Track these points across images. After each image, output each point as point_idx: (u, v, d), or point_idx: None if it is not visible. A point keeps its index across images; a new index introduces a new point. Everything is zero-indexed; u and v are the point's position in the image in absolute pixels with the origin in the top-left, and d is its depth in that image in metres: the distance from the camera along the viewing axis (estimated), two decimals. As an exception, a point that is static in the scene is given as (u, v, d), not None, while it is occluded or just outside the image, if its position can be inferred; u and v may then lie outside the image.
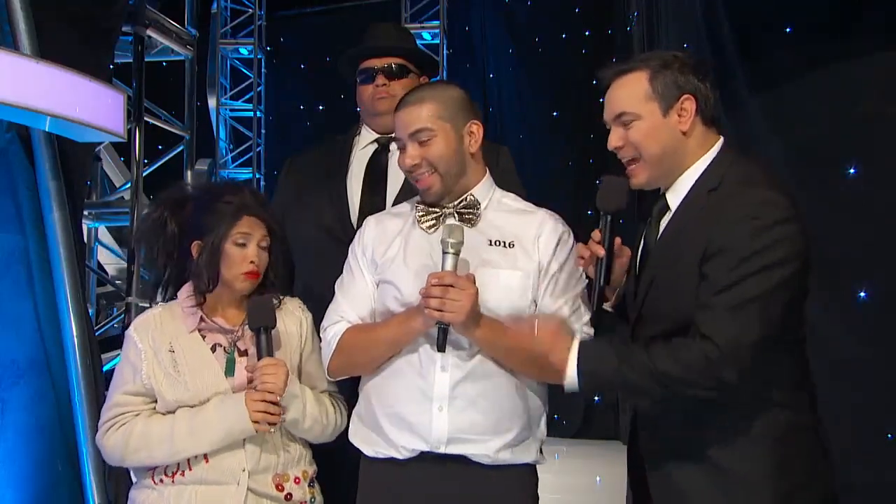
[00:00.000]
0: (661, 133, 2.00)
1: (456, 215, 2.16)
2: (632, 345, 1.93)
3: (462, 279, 1.99)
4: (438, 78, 8.43)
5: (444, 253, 2.02)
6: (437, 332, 2.02)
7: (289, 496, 2.21)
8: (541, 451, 2.20)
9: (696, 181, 2.01)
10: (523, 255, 2.14)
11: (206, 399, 2.19)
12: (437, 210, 2.17)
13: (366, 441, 2.17)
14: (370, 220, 2.28)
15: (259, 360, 2.16)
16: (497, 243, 2.14)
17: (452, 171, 2.15)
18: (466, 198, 2.18)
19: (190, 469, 2.17)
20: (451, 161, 2.14)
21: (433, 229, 2.16)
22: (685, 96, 1.99)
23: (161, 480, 2.19)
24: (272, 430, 2.15)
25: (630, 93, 2.01)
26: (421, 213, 2.18)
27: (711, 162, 2.02)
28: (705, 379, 1.84)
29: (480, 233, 2.15)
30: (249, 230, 2.24)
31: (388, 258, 2.17)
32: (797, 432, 1.96)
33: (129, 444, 2.18)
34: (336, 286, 2.26)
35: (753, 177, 1.97)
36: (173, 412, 2.20)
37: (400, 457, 2.11)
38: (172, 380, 2.19)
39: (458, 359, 2.08)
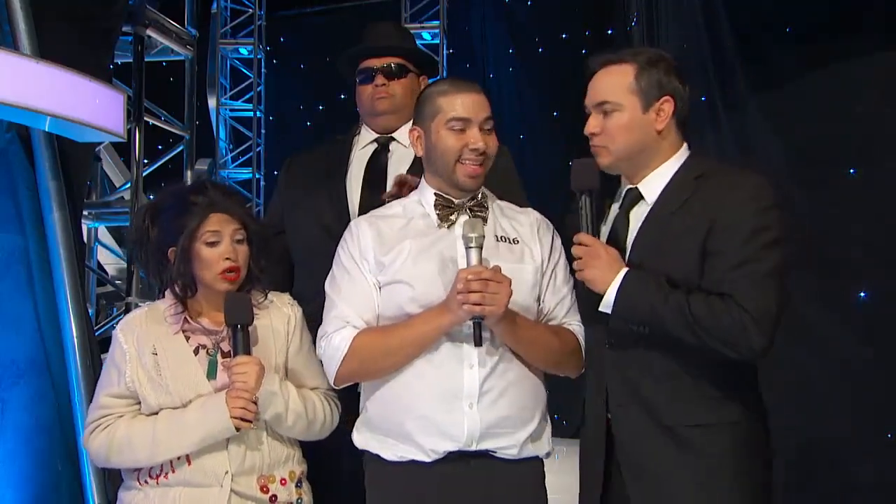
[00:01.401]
0: (636, 128, 2.08)
1: (469, 212, 2.17)
2: (674, 287, 1.98)
3: (498, 272, 2.01)
4: (438, 78, 8.43)
5: (468, 248, 2.03)
6: (470, 327, 2.04)
7: (273, 498, 2.18)
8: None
9: (676, 173, 2.09)
10: (528, 251, 2.19)
11: (188, 402, 2.16)
12: (451, 208, 2.17)
13: (384, 446, 2.14)
14: (362, 223, 2.23)
15: (234, 357, 2.15)
16: (503, 239, 2.17)
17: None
18: (477, 195, 2.20)
19: (173, 471, 2.15)
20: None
21: (449, 227, 2.16)
22: (665, 97, 2.07)
23: (146, 482, 2.17)
24: (252, 426, 2.13)
25: (615, 83, 2.08)
26: (437, 212, 2.18)
27: (687, 158, 2.12)
28: (736, 341, 1.92)
29: (487, 229, 2.15)
30: (218, 227, 2.19)
31: (397, 258, 2.14)
32: (756, 414, 2.07)
33: (112, 446, 2.17)
34: (329, 291, 2.21)
35: (737, 169, 2.09)
36: (157, 414, 2.18)
37: (427, 459, 2.09)
38: (155, 383, 2.17)
39: (485, 354, 2.08)
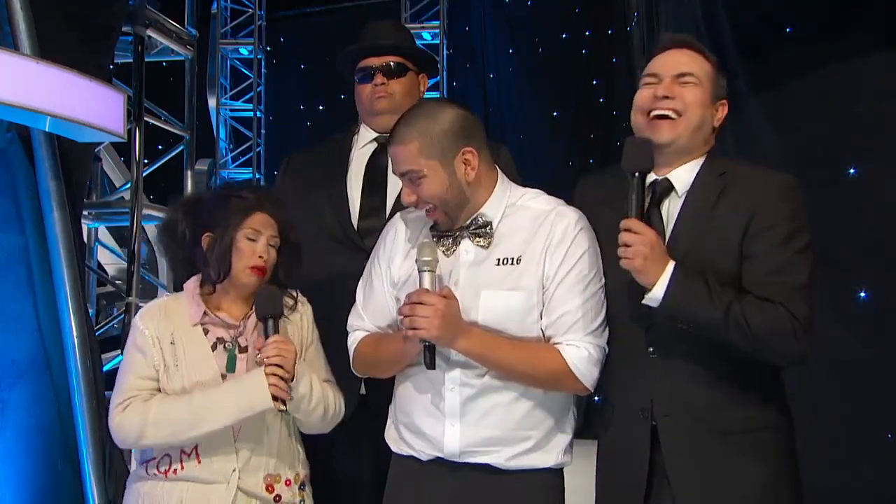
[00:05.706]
0: (705, 112, 2.10)
1: (471, 237, 2.12)
2: (721, 287, 1.95)
3: (429, 294, 1.99)
4: (438, 78, 8.43)
5: (420, 272, 2.04)
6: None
7: (278, 498, 2.22)
8: (567, 453, 2.16)
9: (701, 169, 2.09)
10: (530, 270, 2.08)
11: None
12: (451, 233, 2.14)
13: (392, 440, 2.24)
14: (398, 223, 2.26)
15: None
16: (504, 262, 2.09)
17: (451, 204, 2.11)
18: (477, 219, 2.13)
19: (182, 467, 2.18)
20: (445, 196, 2.10)
21: (450, 252, 2.14)
22: (724, 101, 2.13)
23: (154, 474, 2.19)
24: (284, 407, 2.16)
25: (700, 64, 2.12)
26: (436, 237, 2.15)
27: (708, 154, 2.13)
28: (788, 349, 1.93)
29: (490, 252, 2.12)
30: (261, 227, 2.26)
31: (402, 278, 2.18)
32: (788, 412, 2.08)
33: (148, 419, 2.15)
34: (359, 286, 2.29)
35: (760, 167, 2.14)
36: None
37: (420, 458, 2.16)
38: (171, 372, 2.20)
39: (466, 376, 2.08)
